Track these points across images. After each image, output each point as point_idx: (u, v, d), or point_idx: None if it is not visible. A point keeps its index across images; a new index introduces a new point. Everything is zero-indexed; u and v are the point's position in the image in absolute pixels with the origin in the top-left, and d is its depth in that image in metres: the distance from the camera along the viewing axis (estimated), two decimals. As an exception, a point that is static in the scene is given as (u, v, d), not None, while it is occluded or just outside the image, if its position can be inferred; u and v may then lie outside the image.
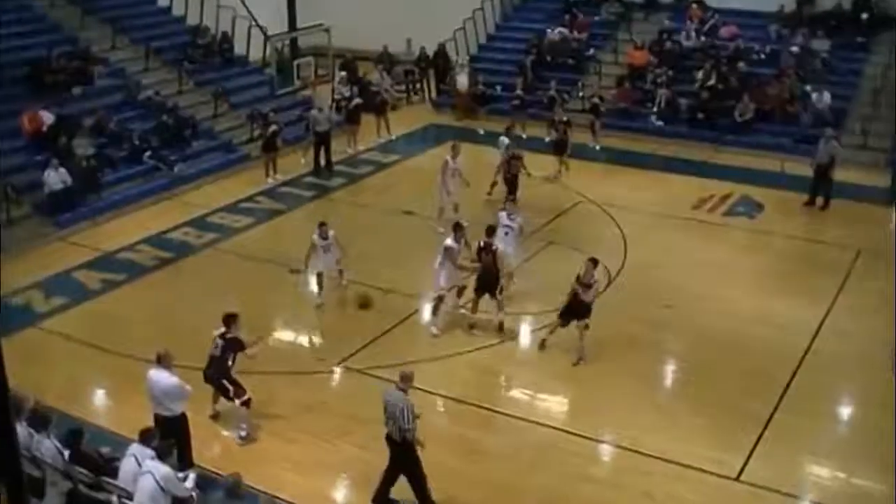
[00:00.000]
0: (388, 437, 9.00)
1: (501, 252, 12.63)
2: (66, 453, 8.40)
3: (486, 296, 12.70)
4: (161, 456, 8.12)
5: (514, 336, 12.72)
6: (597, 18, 24.31)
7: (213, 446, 10.32)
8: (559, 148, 18.58)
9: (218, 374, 10.18)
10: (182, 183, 18.28)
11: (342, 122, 20.83)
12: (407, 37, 25.44)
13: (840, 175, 17.13)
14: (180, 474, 8.33)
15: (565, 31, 23.78)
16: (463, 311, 12.90)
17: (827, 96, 19.80)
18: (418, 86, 25.38)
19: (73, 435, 8.69)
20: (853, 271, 14.35)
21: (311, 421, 10.74)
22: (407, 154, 20.72)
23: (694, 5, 23.22)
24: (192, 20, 22.83)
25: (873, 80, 20.48)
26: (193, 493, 8.28)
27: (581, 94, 22.00)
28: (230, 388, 10.20)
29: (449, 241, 12.56)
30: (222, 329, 10.22)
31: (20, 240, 15.19)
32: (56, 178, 16.20)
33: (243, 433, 10.38)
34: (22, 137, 17.33)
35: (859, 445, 10.31)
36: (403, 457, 8.96)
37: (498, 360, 12.16)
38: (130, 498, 8.03)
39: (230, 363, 10.17)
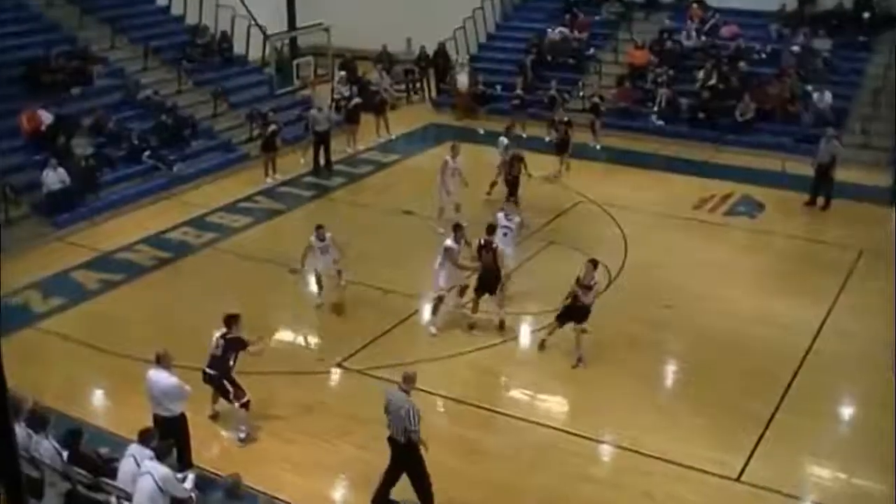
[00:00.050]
0: (391, 439, 8.95)
1: (501, 250, 12.61)
2: (65, 454, 8.38)
3: (486, 296, 12.67)
4: (160, 456, 8.10)
5: (514, 336, 12.68)
6: (597, 18, 24.28)
7: (213, 447, 10.30)
8: (561, 147, 18.57)
9: (219, 374, 10.14)
10: (181, 183, 18.25)
11: (342, 122, 20.80)
12: (407, 36, 25.42)
13: (841, 175, 17.10)
14: (179, 475, 8.33)
15: (566, 30, 23.75)
16: (465, 310, 12.85)
17: (828, 96, 19.77)
18: (418, 85, 25.35)
19: (72, 435, 8.68)
20: (855, 271, 14.33)
21: (311, 421, 10.71)
22: (407, 154, 20.69)
23: (694, 5, 23.19)
24: (191, 19, 22.80)
25: (875, 79, 20.45)
26: (192, 494, 8.27)
27: (581, 93, 21.97)
28: (230, 389, 10.16)
29: (449, 242, 12.53)
30: (224, 330, 10.19)
31: (18, 240, 15.14)
32: (54, 177, 16.17)
33: (242, 434, 10.35)
34: (20, 137, 17.29)
35: (860, 446, 10.28)
36: (408, 458, 8.91)
37: (498, 361, 12.13)
38: (129, 499, 8.02)
39: (231, 363, 10.14)
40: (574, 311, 11.70)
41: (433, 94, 24.94)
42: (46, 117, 17.46)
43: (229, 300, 12.13)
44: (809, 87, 20.26)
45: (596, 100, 20.79)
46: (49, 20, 20.45)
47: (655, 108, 21.39)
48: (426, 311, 13.06)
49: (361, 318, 13.04)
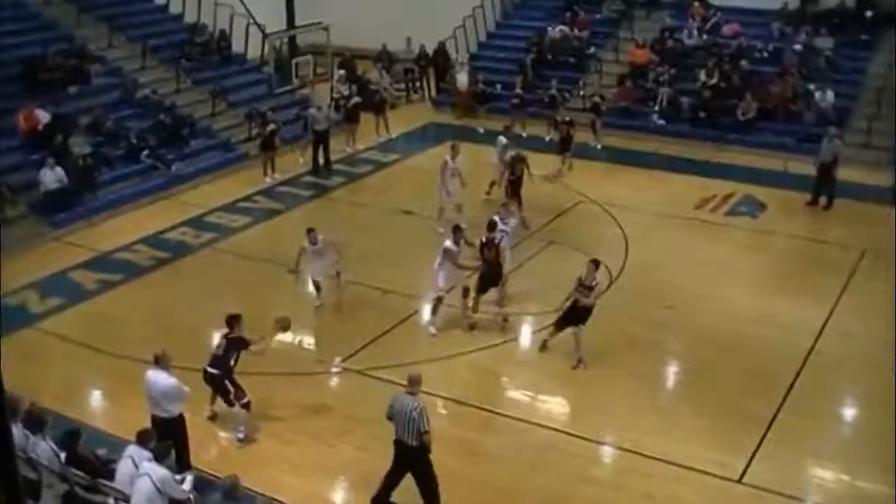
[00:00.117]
0: (399, 442, 8.82)
1: (503, 246, 12.58)
2: (63, 455, 8.35)
3: (486, 296, 12.63)
4: (158, 458, 8.07)
5: (514, 337, 12.64)
6: (598, 16, 24.23)
7: (211, 448, 10.25)
8: (563, 147, 18.54)
9: (221, 374, 10.09)
10: (179, 182, 18.19)
11: (341, 121, 20.73)
12: (406, 35, 25.35)
13: (843, 174, 17.05)
14: (178, 476, 8.29)
15: (566, 29, 23.69)
16: (470, 314, 12.77)
17: (830, 95, 19.72)
18: (418, 84, 25.30)
19: (70, 436, 8.65)
20: (857, 271, 14.29)
21: (310, 422, 10.66)
22: (406, 153, 20.63)
23: (696, 3, 23.14)
24: (189, 18, 22.74)
25: (877, 78, 20.39)
26: (191, 496, 8.25)
27: (582, 92, 21.92)
28: (231, 389, 10.10)
29: (448, 243, 12.48)
30: (225, 330, 10.14)
31: (16, 240, 15.05)
32: (52, 177, 16.10)
33: (241, 435, 10.30)
34: (17, 136, 17.21)
35: (863, 447, 10.23)
36: (418, 461, 8.81)
37: (498, 361, 12.08)
38: (127, 500, 7.99)
39: (233, 363, 10.08)
40: (574, 314, 11.62)
41: (433, 93, 24.89)
42: (43, 116, 17.39)
43: (228, 300, 12.07)
44: (811, 86, 20.21)
45: (597, 99, 20.73)
46: (47, 18, 20.38)
47: (656, 108, 21.34)
48: (426, 312, 13.00)
49: (361, 319, 12.98)
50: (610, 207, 16.81)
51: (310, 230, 12.89)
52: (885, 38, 21.10)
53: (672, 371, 12.16)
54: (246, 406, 10.18)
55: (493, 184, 16.94)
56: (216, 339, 10.50)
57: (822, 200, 16.98)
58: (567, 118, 18.98)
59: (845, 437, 10.87)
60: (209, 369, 10.13)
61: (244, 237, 16.15)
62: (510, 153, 16.55)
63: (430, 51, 24.88)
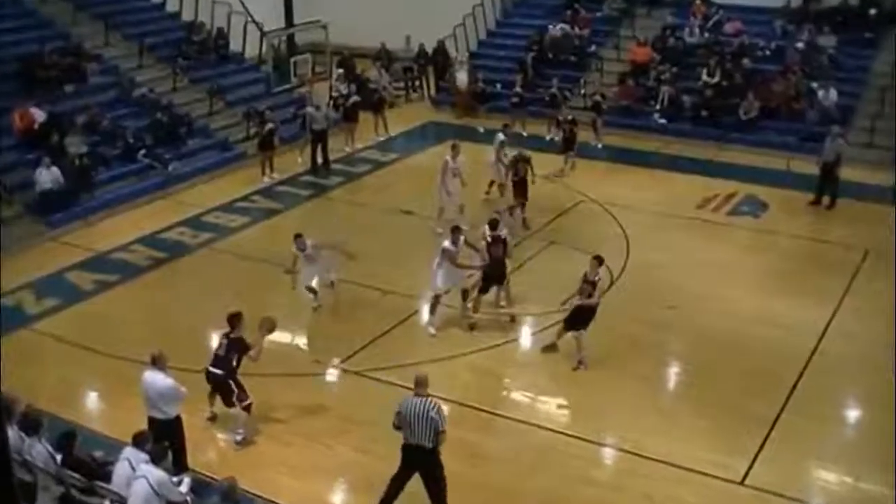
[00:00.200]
0: (413, 447, 8.64)
1: (511, 240, 12.51)
2: (59, 457, 8.30)
3: (486, 297, 12.54)
4: (155, 460, 8.01)
5: (514, 337, 12.57)
6: (599, 14, 24.17)
7: (209, 450, 10.17)
8: (566, 146, 18.49)
9: (224, 375, 10.00)
10: (177, 182, 18.10)
11: (340, 121, 20.64)
12: (406, 33, 25.22)
13: (846, 174, 16.97)
14: (175, 478, 8.23)
15: (567, 27, 23.61)
16: (470, 315, 12.70)
17: (833, 93, 19.63)
18: (417, 83, 25.23)
19: (66, 438, 8.59)
20: (860, 271, 14.21)
21: (308, 424, 10.58)
22: (406, 152, 20.56)
23: (698, 1, 23.07)
24: (186, 16, 22.68)
25: (881, 77, 20.28)
26: (188, 498, 8.21)
27: (583, 91, 21.84)
28: (235, 390, 10.01)
29: (446, 244, 12.40)
30: (227, 329, 10.07)
31: (12, 240, 14.96)
32: (48, 176, 16.01)
33: (239, 437, 10.22)
34: (13, 135, 17.08)
35: (866, 449, 10.15)
36: (433, 462, 8.68)
37: (498, 362, 12.01)
38: (124, 502, 7.93)
39: (235, 364, 9.99)
40: (579, 316, 11.50)
41: (432, 92, 24.82)
42: (39, 115, 17.29)
43: (226, 301, 11.97)
44: (814, 85, 20.10)
45: (597, 98, 20.66)
46: (43, 16, 20.28)
47: (658, 106, 21.26)
48: (425, 312, 12.91)
49: (360, 319, 12.90)
50: (611, 207, 16.74)
51: (297, 236, 12.75)
52: (889, 36, 20.99)
53: (673, 372, 12.09)
54: (247, 408, 10.09)
55: (492, 183, 16.86)
56: (215, 339, 10.45)
57: (825, 200, 16.90)
58: (570, 117, 18.93)
59: (848, 438, 10.81)
60: (212, 369, 10.07)
61: (242, 237, 16.06)
62: (507, 151, 16.45)
63: (429, 49, 24.80)
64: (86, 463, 8.53)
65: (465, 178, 15.71)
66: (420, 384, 8.71)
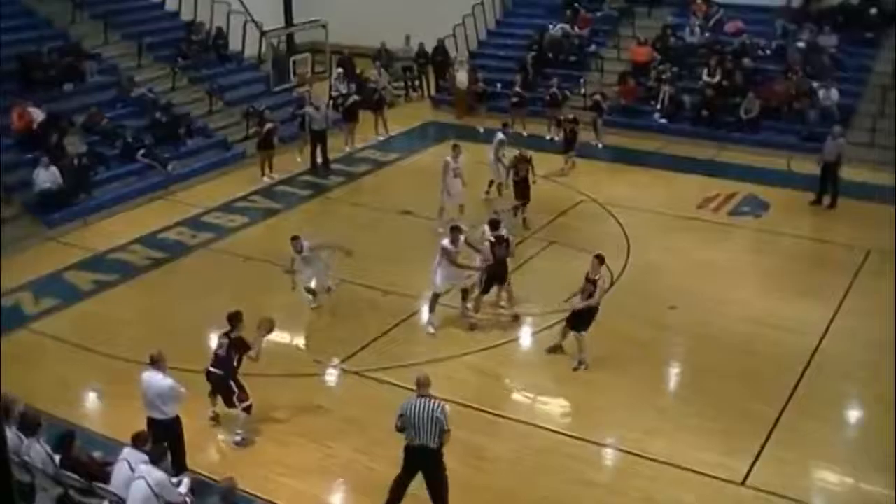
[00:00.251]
0: (417, 449, 8.59)
1: (514, 239, 12.46)
2: (57, 458, 8.28)
3: (486, 297, 12.48)
4: (154, 460, 7.99)
5: (515, 338, 12.54)
6: (599, 14, 24.10)
7: (208, 450, 10.13)
8: (568, 145, 18.50)
9: (225, 374, 9.96)
10: (176, 182, 18.05)
11: (339, 120, 20.58)
12: (405, 33, 25.16)
13: (848, 173, 16.93)
14: (174, 479, 8.21)
15: (567, 26, 23.56)
16: (471, 315, 12.67)
17: (835, 93, 19.59)
18: (417, 83, 25.18)
19: (65, 439, 8.57)
20: (862, 272, 14.16)
21: (308, 424, 10.53)
22: (405, 152, 20.51)
23: (698, 0, 22.96)
24: (186, 15, 22.61)
25: (882, 76, 20.22)
26: (187, 499, 8.19)
27: (583, 91, 21.78)
28: (235, 390, 9.96)
29: (445, 243, 12.36)
30: (227, 328, 10.03)
31: (10, 240, 14.92)
32: (46, 176, 15.97)
33: (239, 438, 10.18)
34: (11, 135, 17.01)
35: (868, 450, 10.10)
36: (437, 462, 8.65)
37: (499, 363, 11.96)
38: (123, 503, 7.87)
39: (236, 363, 9.95)
40: (583, 315, 11.45)
41: (432, 91, 24.76)
42: (38, 115, 17.23)
43: (225, 301, 11.90)
44: (815, 84, 20.05)
45: (598, 97, 20.59)
46: (41, 15, 20.22)
47: (658, 106, 21.21)
48: (425, 312, 12.85)
49: (360, 320, 12.85)
50: (611, 207, 16.70)
51: (294, 238, 12.69)
52: (890, 35, 20.95)
53: (674, 372, 12.06)
54: (247, 409, 10.05)
55: (491, 183, 16.82)
56: (214, 339, 10.39)
57: (826, 200, 16.86)
58: (571, 116, 18.91)
59: (850, 439, 10.77)
60: (212, 369, 10.03)
61: (241, 237, 16.01)
62: (505, 152, 16.39)
63: (429, 49, 24.74)
64: (84, 464, 8.51)
65: (466, 179, 15.65)
66: (422, 385, 8.67)
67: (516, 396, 11.34)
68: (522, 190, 15.77)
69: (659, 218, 16.42)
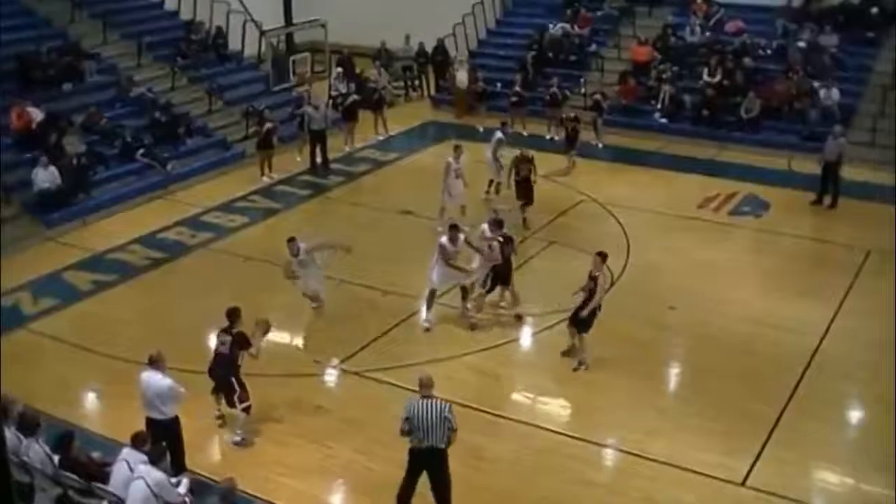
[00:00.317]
0: (424, 450, 8.54)
1: (516, 238, 12.52)
2: (56, 458, 8.27)
3: (489, 297, 12.49)
4: (154, 460, 7.99)
5: (515, 338, 12.51)
6: (599, 13, 24.09)
7: (207, 450, 10.12)
8: (570, 145, 18.49)
9: (226, 373, 9.94)
10: (175, 181, 18.03)
11: (339, 120, 20.56)
12: (405, 32, 25.14)
13: (848, 173, 16.91)
14: (173, 479, 8.20)
15: (567, 26, 23.54)
16: (471, 314, 12.64)
17: (835, 93, 19.56)
18: (417, 82, 25.15)
19: (64, 439, 8.56)
20: (862, 272, 14.14)
21: (307, 424, 10.52)
22: (405, 152, 20.48)
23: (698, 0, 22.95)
24: (185, 15, 22.58)
25: (883, 76, 20.19)
26: (187, 499, 8.18)
27: (583, 90, 21.75)
28: (237, 389, 9.93)
29: (443, 240, 12.35)
30: (226, 325, 10.02)
31: (9, 240, 14.88)
32: (45, 176, 15.94)
33: (238, 438, 10.17)
34: (10, 134, 16.98)
35: (868, 450, 10.09)
36: (443, 462, 8.62)
37: (499, 363, 11.94)
38: (122, 503, 7.87)
39: (239, 362, 9.93)
40: (581, 317, 11.41)
41: (432, 91, 24.74)
42: (37, 114, 17.20)
43: (225, 301, 11.79)
44: (816, 84, 20.02)
45: (598, 97, 20.57)
46: (40, 15, 20.20)
47: (659, 106, 21.19)
48: (424, 311, 12.81)
49: (359, 319, 12.82)
50: (611, 207, 16.68)
51: (290, 240, 12.59)
52: (890, 35, 20.93)
53: (674, 372, 12.04)
54: (247, 410, 10.03)
55: (491, 183, 16.79)
56: (214, 339, 10.35)
57: (827, 200, 16.84)
58: (572, 114, 18.89)
59: (850, 439, 10.76)
60: (215, 368, 10.02)
61: (241, 237, 15.98)
62: (503, 151, 16.35)
63: (429, 48, 24.72)
64: (83, 464, 8.49)
65: (467, 179, 15.63)
66: (426, 386, 8.63)
67: (516, 397, 11.32)
68: (524, 190, 15.73)
69: (659, 218, 16.41)
